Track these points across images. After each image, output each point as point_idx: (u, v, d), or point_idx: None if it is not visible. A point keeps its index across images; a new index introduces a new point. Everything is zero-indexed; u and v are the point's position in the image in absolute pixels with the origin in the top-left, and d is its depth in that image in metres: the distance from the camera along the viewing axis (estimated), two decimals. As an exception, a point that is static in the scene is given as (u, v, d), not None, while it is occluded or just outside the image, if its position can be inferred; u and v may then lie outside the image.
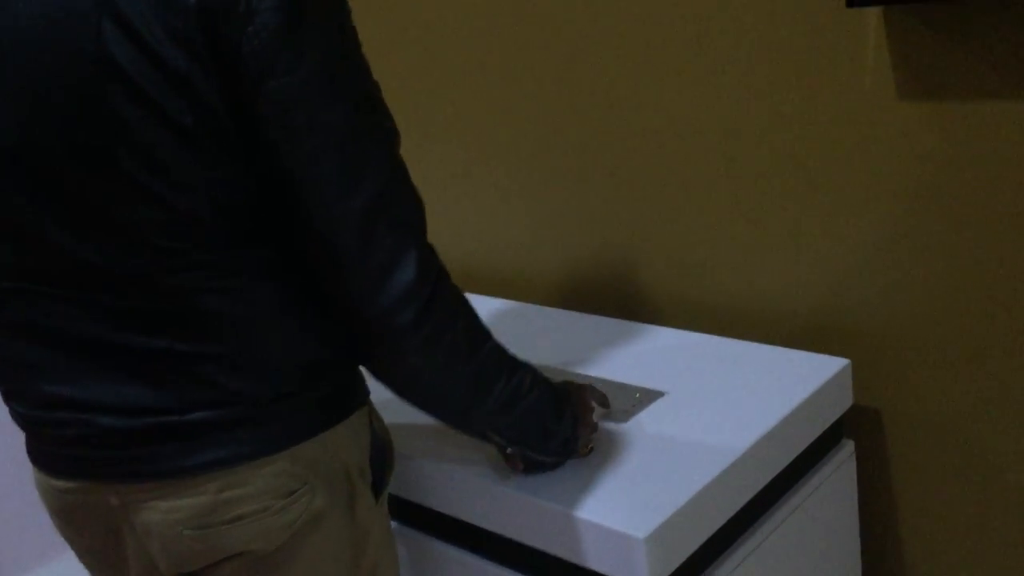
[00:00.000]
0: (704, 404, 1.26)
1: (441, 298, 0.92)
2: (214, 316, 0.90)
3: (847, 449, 1.35)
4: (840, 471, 1.33)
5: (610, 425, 1.23)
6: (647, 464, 1.14)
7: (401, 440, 1.27)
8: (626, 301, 1.62)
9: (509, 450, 1.11)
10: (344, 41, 0.86)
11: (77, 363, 0.93)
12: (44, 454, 0.99)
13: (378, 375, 0.97)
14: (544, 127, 1.64)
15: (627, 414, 1.25)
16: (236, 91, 0.82)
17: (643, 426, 1.22)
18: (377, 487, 1.07)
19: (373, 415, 1.09)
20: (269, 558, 1.00)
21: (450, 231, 1.89)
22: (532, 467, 1.12)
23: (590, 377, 1.37)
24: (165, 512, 0.96)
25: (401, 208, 0.90)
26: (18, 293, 0.93)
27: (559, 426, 1.07)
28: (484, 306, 1.74)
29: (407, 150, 1.88)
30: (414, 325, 0.90)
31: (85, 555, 1.07)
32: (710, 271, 1.48)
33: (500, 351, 1.00)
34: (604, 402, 1.20)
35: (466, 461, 1.20)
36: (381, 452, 1.08)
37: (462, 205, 1.84)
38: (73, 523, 1.02)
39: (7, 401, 1.02)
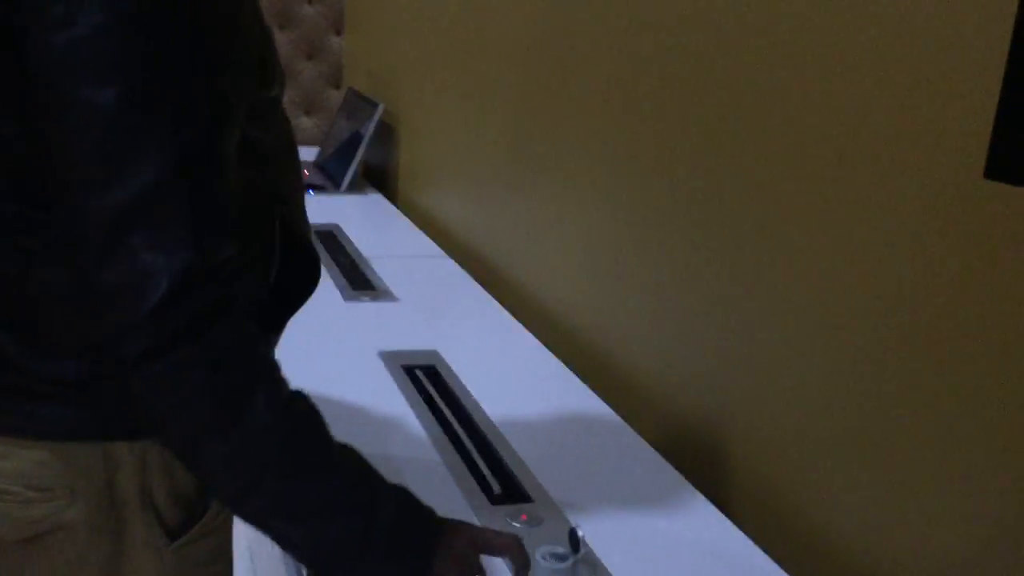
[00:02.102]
0: None
1: (199, 338, 0.74)
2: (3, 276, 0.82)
3: None
4: None
5: None
6: None
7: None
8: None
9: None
10: (159, 14, 0.71)
11: None
12: None
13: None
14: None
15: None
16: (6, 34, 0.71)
17: None
18: (173, 531, 0.94)
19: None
20: (10, 551, 0.93)
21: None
22: None
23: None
24: None
25: (171, 221, 0.73)
26: None
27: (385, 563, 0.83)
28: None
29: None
30: (141, 359, 0.74)
31: None
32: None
33: (302, 436, 0.81)
34: (520, 561, 0.89)
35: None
36: (199, 495, 0.95)
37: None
38: None
39: None
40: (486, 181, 2.13)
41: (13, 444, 0.88)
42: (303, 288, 1.01)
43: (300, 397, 0.83)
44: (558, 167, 1.76)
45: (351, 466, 0.85)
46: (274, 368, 0.81)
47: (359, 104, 2.83)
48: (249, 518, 0.82)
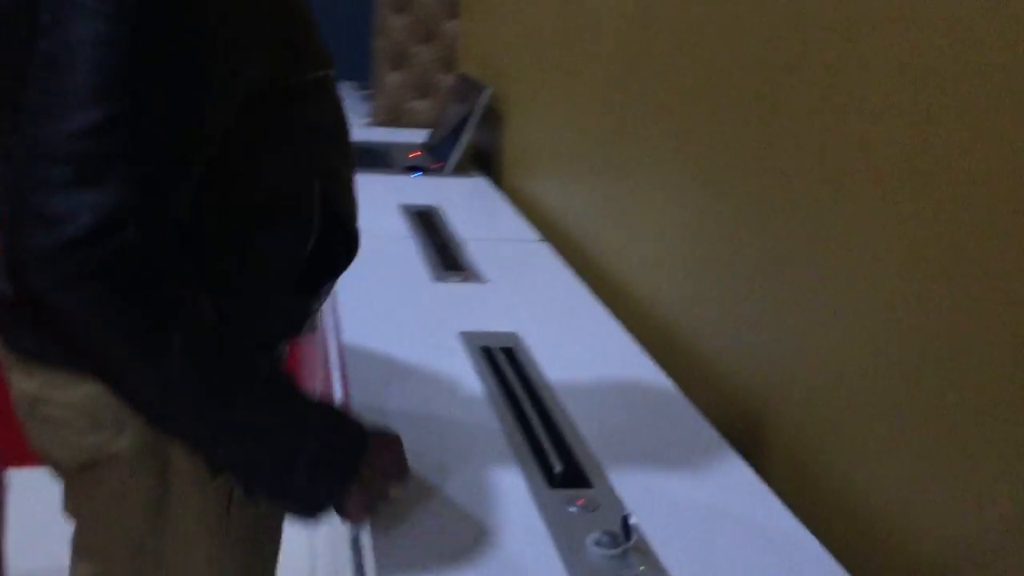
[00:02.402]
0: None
1: (113, 276, 0.76)
2: None
3: None
4: None
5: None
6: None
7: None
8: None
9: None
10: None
11: None
12: None
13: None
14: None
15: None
16: None
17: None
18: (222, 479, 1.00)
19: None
20: (73, 480, 1.03)
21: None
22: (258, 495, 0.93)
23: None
24: (15, 388, 1.01)
25: (108, 162, 0.75)
26: None
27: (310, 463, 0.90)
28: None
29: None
30: (53, 289, 0.75)
31: None
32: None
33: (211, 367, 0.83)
34: (397, 474, 0.98)
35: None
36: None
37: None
38: None
39: None
40: (582, 167, 2.12)
41: (71, 378, 0.96)
42: (340, 260, 1.06)
43: (223, 334, 0.85)
44: (649, 155, 1.74)
45: (277, 391, 0.89)
46: (194, 308, 0.82)
47: (469, 88, 2.85)
48: (182, 440, 0.90)
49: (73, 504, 1.07)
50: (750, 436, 1.39)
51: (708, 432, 1.32)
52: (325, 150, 1.03)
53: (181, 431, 0.89)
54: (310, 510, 0.93)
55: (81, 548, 1.06)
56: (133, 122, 0.77)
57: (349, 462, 0.93)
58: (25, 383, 1.00)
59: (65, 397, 0.97)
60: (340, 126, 1.07)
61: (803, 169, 1.26)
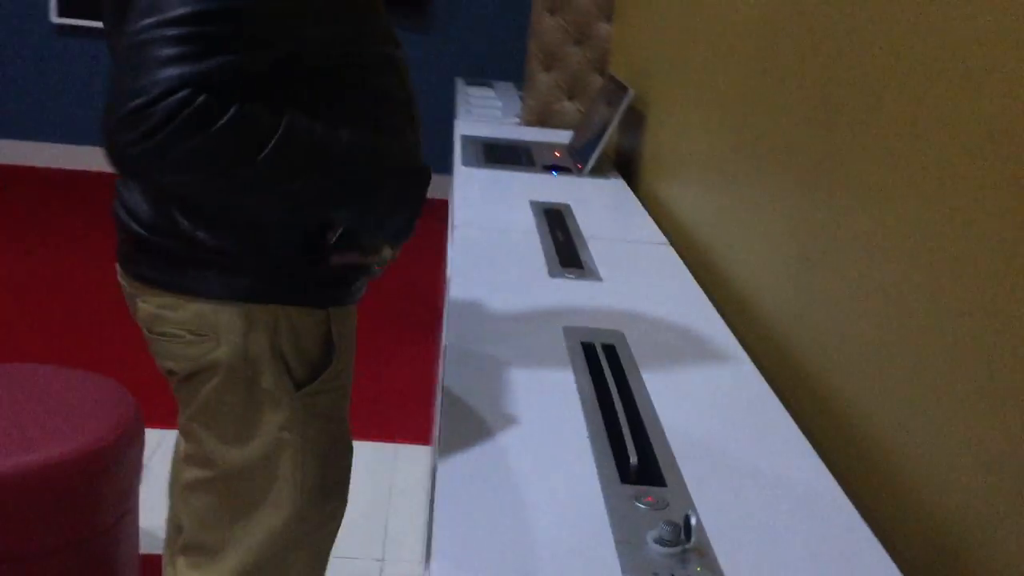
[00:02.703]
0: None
1: (180, 118, 0.98)
2: None
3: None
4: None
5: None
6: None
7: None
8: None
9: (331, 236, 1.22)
10: None
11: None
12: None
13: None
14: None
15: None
16: None
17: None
18: (299, 383, 1.25)
19: (336, 325, 1.28)
20: (183, 385, 1.26)
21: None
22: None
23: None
24: (140, 311, 1.27)
25: (182, 44, 0.99)
26: None
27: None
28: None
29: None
30: (154, 130, 0.98)
31: None
32: None
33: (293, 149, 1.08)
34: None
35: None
36: (326, 357, 1.28)
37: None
38: None
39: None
40: (707, 173, 2.10)
41: (181, 299, 1.21)
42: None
43: (316, 132, 1.11)
44: (771, 163, 1.70)
45: (361, 156, 1.15)
46: (274, 119, 1.06)
47: (615, 90, 2.86)
48: (309, 211, 1.16)
49: (183, 412, 1.30)
50: (845, 451, 1.34)
51: (800, 443, 1.28)
52: (391, 115, 1.22)
53: (300, 204, 1.13)
54: (397, 236, 1.24)
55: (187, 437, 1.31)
56: (197, 23, 1.00)
57: (417, 194, 1.23)
58: (146, 306, 1.25)
59: (175, 316, 1.22)
60: (405, 96, 1.24)
61: (905, 179, 1.21)
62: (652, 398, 1.37)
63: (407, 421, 3.05)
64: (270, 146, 1.05)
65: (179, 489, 1.35)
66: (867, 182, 1.34)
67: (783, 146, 1.67)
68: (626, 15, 3.18)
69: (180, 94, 0.98)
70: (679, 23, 2.47)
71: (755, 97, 1.83)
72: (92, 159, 5.59)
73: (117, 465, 1.79)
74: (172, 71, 0.98)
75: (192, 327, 1.21)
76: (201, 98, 0.99)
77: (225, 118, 1.01)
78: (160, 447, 2.73)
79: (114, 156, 1.01)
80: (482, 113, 3.86)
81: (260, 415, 1.24)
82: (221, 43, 1.01)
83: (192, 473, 1.31)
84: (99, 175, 5.52)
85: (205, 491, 1.30)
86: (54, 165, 5.57)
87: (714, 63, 2.12)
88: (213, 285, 1.20)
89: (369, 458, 2.81)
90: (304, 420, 1.27)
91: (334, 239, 1.23)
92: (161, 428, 2.80)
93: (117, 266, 1.30)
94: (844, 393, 1.37)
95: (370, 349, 3.53)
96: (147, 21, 0.99)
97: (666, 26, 2.62)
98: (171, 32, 0.99)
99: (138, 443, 1.89)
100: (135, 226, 1.23)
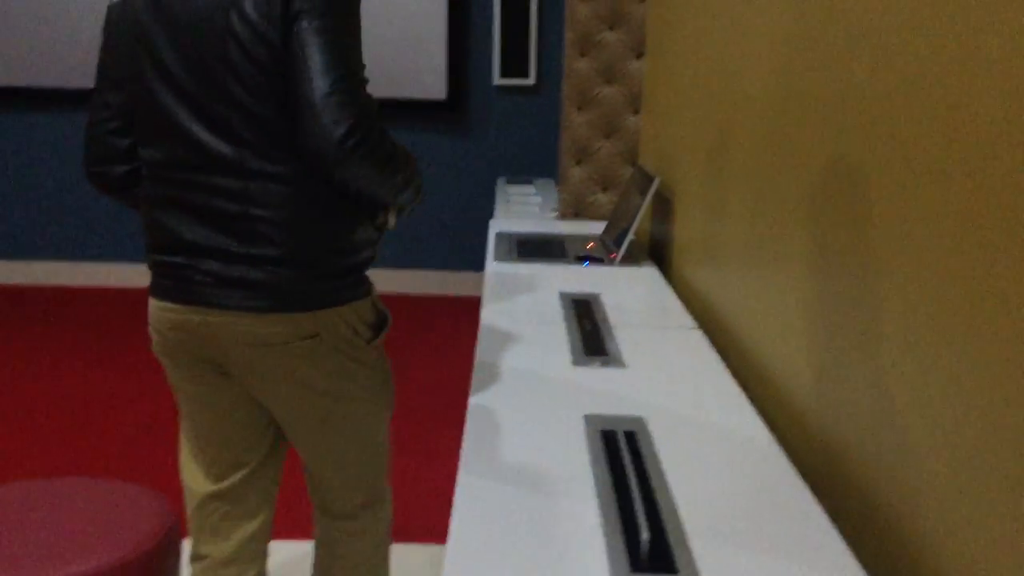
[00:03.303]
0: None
1: (370, 140, 1.49)
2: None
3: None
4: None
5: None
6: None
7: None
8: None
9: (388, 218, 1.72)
10: (349, 4, 1.54)
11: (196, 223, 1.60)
12: (170, 288, 1.64)
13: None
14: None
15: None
16: (287, 36, 1.51)
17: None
18: (368, 339, 1.71)
19: (375, 300, 1.73)
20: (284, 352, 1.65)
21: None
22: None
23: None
24: (271, 333, 1.62)
25: (355, 89, 1.50)
26: (166, 178, 1.61)
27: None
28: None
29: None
30: (357, 146, 1.48)
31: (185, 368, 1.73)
32: None
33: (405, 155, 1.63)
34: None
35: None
36: (381, 321, 1.74)
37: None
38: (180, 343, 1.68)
39: (150, 253, 1.68)
40: (730, 254, 2.09)
41: (279, 317, 1.61)
42: None
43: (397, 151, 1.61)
44: (793, 248, 1.70)
45: (407, 164, 1.63)
46: (394, 146, 1.58)
47: (643, 180, 2.89)
48: (393, 200, 1.65)
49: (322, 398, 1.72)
50: (875, 539, 1.30)
51: (827, 531, 1.24)
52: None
53: (396, 197, 1.63)
54: (412, 210, 1.75)
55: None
56: (358, 72, 1.52)
57: (417, 171, 1.69)
58: (287, 328, 1.61)
59: (339, 323, 1.65)
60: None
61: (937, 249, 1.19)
62: (670, 484, 1.35)
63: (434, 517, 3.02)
64: (395, 149, 1.57)
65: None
66: (892, 267, 1.33)
67: (805, 230, 1.66)
68: (653, 106, 3.23)
69: (365, 124, 1.50)
70: (701, 111, 2.50)
71: (775, 180, 1.84)
72: (117, 276, 5.77)
73: (153, 574, 1.80)
74: (370, 104, 1.51)
75: (302, 333, 1.63)
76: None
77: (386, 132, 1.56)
78: (207, 556, 2.74)
79: (341, 158, 1.47)
80: (521, 210, 3.92)
81: (357, 373, 1.72)
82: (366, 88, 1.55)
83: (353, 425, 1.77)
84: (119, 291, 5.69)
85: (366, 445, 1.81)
86: (83, 283, 5.76)
87: (734, 150, 2.14)
88: (327, 294, 1.62)
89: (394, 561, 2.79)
90: (379, 363, 1.77)
91: (384, 218, 1.71)
92: (209, 537, 2.81)
93: (242, 315, 1.61)
94: (877, 481, 1.33)
95: (395, 441, 3.53)
96: (335, 75, 1.47)
97: (689, 115, 2.66)
98: (354, 81, 1.49)
99: (174, 553, 1.90)
100: (298, 270, 1.60)
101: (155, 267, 1.68)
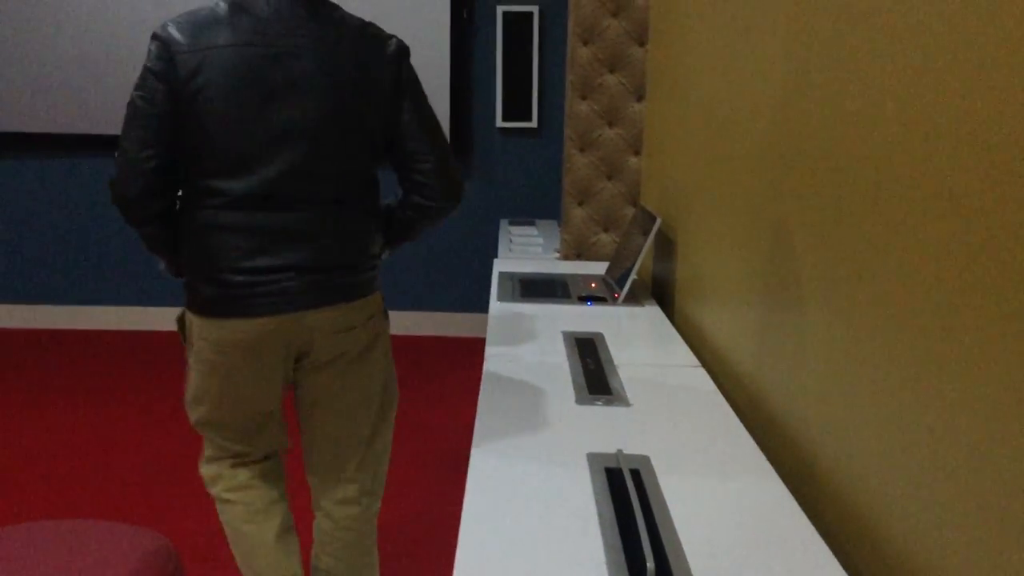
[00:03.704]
0: None
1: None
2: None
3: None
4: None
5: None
6: None
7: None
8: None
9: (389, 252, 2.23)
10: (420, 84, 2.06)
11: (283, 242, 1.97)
12: (246, 305, 1.94)
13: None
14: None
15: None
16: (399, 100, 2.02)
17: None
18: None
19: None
20: (360, 355, 2.11)
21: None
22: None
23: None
24: (336, 323, 2.04)
25: (447, 154, 2.06)
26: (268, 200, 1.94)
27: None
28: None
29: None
30: (455, 205, 2.10)
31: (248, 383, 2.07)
32: None
33: None
34: None
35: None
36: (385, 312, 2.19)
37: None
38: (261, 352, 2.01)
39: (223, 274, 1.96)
40: (734, 293, 2.10)
41: (353, 305, 2.05)
42: None
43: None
44: (791, 284, 1.71)
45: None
46: None
47: (645, 220, 2.91)
48: (404, 243, 2.20)
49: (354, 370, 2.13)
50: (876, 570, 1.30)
51: (830, 565, 1.24)
52: None
53: (412, 238, 2.18)
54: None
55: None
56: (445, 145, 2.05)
57: None
58: (333, 314, 2.02)
59: (356, 315, 2.06)
60: None
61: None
62: (674, 520, 1.35)
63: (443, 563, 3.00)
64: None
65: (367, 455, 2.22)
66: (888, 304, 1.34)
67: (802, 265, 1.68)
68: (654, 147, 3.26)
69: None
70: (701, 152, 2.53)
71: (771, 219, 1.85)
72: (135, 319, 5.78)
73: (156, 617, 1.79)
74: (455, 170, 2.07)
75: (373, 313, 2.11)
76: None
77: None
78: (210, 600, 2.72)
79: (457, 199, 2.07)
80: (523, 251, 3.94)
81: (383, 343, 2.17)
82: None
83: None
84: (117, 333, 5.70)
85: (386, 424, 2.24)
86: (95, 327, 5.78)
87: (733, 189, 2.16)
88: (371, 285, 2.08)
89: (419, 603, 2.76)
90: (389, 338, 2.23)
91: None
92: (212, 580, 2.79)
93: (336, 308, 2.02)
94: (877, 512, 1.33)
95: (400, 484, 3.52)
96: (439, 138, 2.03)
97: (690, 155, 2.68)
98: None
99: (178, 594, 1.89)
100: (361, 265, 2.04)
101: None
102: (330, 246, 1.97)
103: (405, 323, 5.71)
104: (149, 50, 1.86)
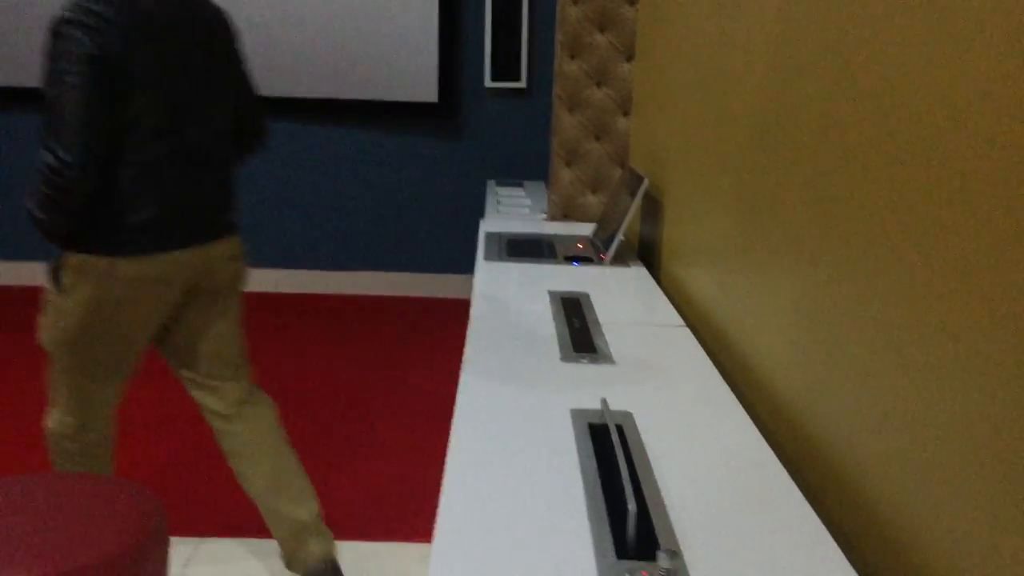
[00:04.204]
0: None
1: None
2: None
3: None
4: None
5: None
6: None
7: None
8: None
9: None
10: None
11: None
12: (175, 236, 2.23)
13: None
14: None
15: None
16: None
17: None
18: None
19: None
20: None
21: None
22: None
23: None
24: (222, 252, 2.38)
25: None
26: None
27: None
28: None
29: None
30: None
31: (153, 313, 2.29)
32: None
33: None
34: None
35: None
36: None
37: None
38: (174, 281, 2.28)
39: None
40: (720, 254, 2.11)
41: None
42: None
43: None
44: (775, 245, 1.71)
45: None
46: None
47: (633, 181, 2.90)
48: None
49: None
50: (860, 530, 1.31)
51: (811, 522, 1.25)
52: None
53: None
54: None
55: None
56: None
57: None
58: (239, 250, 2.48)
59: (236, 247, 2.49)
60: None
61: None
62: (657, 475, 1.36)
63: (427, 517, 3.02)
64: None
65: None
66: (874, 266, 1.34)
67: (786, 228, 1.68)
68: (643, 108, 3.25)
69: None
70: (688, 114, 2.52)
71: (758, 181, 1.85)
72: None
73: (138, 569, 1.80)
74: None
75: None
76: None
77: None
78: (193, 559, 2.74)
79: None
80: (511, 211, 3.92)
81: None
82: None
83: None
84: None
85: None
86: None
87: (721, 151, 2.15)
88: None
89: (361, 555, 2.79)
90: None
91: None
92: (196, 537, 2.81)
93: (229, 239, 2.40)
94: (859, 471, 1.34)
95: (387, 443, 3.53)
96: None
97: (677, 117, 2.67)
98: None
99: (161, 548, 1.90)
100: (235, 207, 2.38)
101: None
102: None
103: (391, 284, 5.70)
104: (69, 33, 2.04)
